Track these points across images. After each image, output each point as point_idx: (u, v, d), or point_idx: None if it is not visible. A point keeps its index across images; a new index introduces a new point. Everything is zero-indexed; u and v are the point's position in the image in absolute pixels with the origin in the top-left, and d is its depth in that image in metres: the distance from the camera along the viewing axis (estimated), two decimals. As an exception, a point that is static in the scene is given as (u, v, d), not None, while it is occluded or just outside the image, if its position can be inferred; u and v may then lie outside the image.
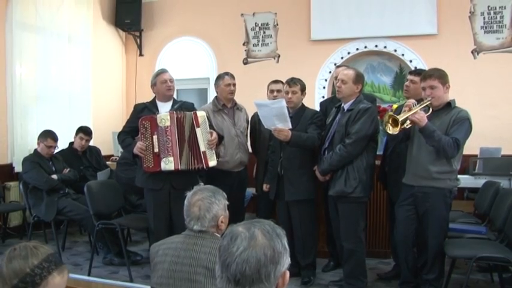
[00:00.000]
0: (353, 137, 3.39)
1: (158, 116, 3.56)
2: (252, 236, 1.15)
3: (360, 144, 3.40)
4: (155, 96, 3.90)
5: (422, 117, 3.13)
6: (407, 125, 3.20)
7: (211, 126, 3.73)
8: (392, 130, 3.17)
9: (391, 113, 3.23)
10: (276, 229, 1.20)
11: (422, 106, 3.21)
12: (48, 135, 4.71)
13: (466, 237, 3.56)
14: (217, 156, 4.01)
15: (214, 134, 3.67)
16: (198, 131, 3.58)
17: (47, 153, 4.68)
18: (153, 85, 3.87)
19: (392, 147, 3.78)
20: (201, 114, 3.65)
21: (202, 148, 3.58)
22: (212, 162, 3.63)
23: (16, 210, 5.16)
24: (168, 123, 3.53)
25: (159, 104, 3.84)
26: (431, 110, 3.26)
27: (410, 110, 3.16)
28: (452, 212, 4.02)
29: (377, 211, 4.37)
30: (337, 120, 3.61)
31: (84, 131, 5.19)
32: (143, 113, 3.74)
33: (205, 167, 3.60)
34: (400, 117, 3.16)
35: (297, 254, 3.83)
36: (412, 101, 3.29)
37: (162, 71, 3.90)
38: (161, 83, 3.81)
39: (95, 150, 5.43)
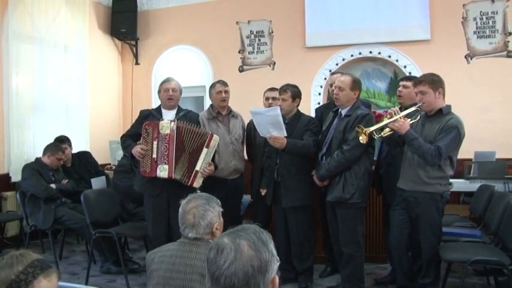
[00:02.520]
0: (351, 143, 3.40)
1: (160, 122, 3.61)
2: (237, 248, 1.15)
3: (358, 150, 3.41)
4: (161, 103, 3.97)
5: (401, 125, 3.17)
6: (384, 134, 3.26)
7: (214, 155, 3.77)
8: (362, 139, 3.25)
9: (361, 125, 3.29)
10: (262, 236, 1.20)
11: (407, 112, 3.26)
12: (59, 149, 4.74)
13: (461, 241, 3.56)
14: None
15: (212, 167, 3.73)
16: (204, 151, 3.63)
17: (56, 165, 4.72)
18: (158, 92, 3.96)
19: (387, 151, 3.81)
20: (215, 138, 3.72)
21: (197, 167, 3.62)
22: (196, 184, 3.65)
23: (13, 220, 5.15)
24: (167, 131, 3.57)
25: (164, 111, 3.90)
26: (419, 116, 3.30)
27: (391, 117, 3.21)
28: (448, 216, 4.06)
29: (374, 216, 4.39)
30: (334, 125, 3.63)
31: (58, 141, 5.03)
32: (147, 119, 3.80)
33: (188, 184, 3.60)
34: (371, 129, 3.25)
35: (294, 260, 3.85)
36: (394, 108, 3.34)
37: (167, 80, 3.95)
38: (164, 92, 3.88)
39: (83, 157, 5.37)
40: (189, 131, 3.62)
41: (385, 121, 3.25)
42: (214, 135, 3.72)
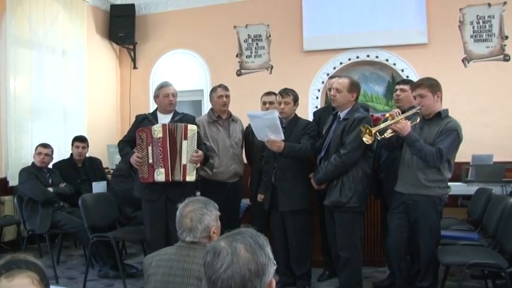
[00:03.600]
0: (348, 147, 3.39)
1: (153, 127, 3.59)
2: (234, 251, 1.15)
3: (355, 154, 3.40)
4: (157, 108, 3.93)
5: (403, 127, 3.17)
6: (387, 135, 3.26)
7: (199, 144, 3.69)
8: (367, 139, 3.22)
9: (366, 125, 3.27)
10: (258, 239, 1.20)
11: (408, 115, 3.27)
12: (39, 144, 4.77)
13: (459, 244, 3.57)
14: (211, 167, 4.03)
15: (200, 152, 3.66)
16: (184, 143, 3.59)
17: (39, 161, 4.69)
18: (156, 97, 3.89)
19: (387, 155, 3.81)
20: (191, 127, 3.65)
21: (183, 161, 3.59)
22: (190, 177, 3.61)
23: (10, 224, 5.14)
24: (160, 135, 3.55)
25: (160, 115, 3.86)
26: (418, 119, 3.31)
27: (393, 119, 3.21)
28: (446, 219, 4.06)
29: (372, 220, 4.38)
30: (333, 129, 3.62)
31: (79, 139, 5.18)
32: (143, 123, 3.77)
33: (181, 180, 3.58)
34: (376, 128, 3.23)
35: (292, 264, 3.84)
36: (396, 110, 3.35)
37: (166, 84, 3.89)
38: (164, 97, 3.83)
39: (94, 162, 5.40)
40: (177, 130, 3.59)
41: (388, 122, 3.24)
42: (189, 125, 3.66)
